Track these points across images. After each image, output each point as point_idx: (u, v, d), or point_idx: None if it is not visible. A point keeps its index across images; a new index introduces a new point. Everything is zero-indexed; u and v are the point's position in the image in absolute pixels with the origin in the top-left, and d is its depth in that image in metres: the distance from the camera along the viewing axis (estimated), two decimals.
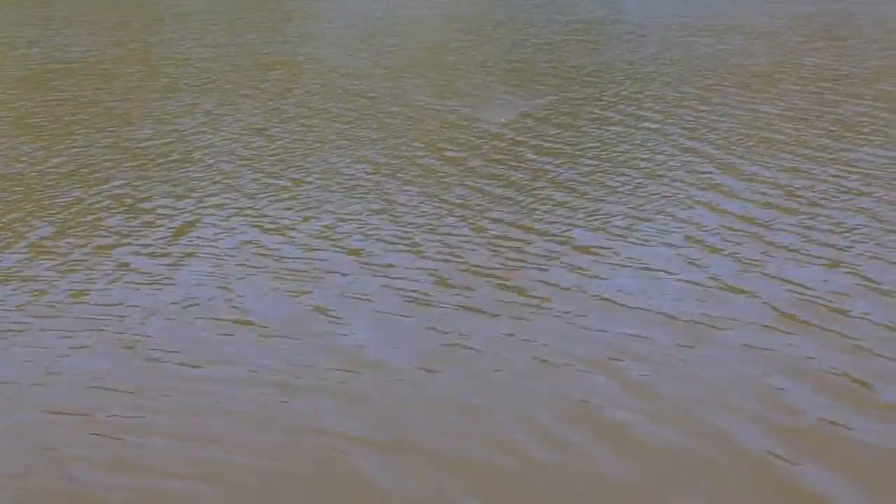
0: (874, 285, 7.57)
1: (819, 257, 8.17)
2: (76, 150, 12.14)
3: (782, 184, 10.20)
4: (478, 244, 8.66)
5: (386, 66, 18.18)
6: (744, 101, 14.44)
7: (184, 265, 8.31)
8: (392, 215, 9.48)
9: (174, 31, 23.72)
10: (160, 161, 11.61)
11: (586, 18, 25.26)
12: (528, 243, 8.65)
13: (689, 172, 10.76)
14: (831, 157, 11.22)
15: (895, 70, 16.70)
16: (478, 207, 9.67)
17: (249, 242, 8.82)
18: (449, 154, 11.71)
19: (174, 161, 11.61)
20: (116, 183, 10.72)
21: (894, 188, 9.99)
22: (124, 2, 30.50)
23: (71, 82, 17.02)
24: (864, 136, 12.15)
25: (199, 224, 9.36)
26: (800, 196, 9.80)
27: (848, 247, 8.38)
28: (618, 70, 17.41)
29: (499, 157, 11.60)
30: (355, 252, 8.51)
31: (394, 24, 25.07)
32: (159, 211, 9.76)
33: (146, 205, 9.95)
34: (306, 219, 9.44)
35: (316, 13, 28.00)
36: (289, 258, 8.40)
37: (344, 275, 7.99)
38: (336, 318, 7.20)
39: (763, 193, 9.90)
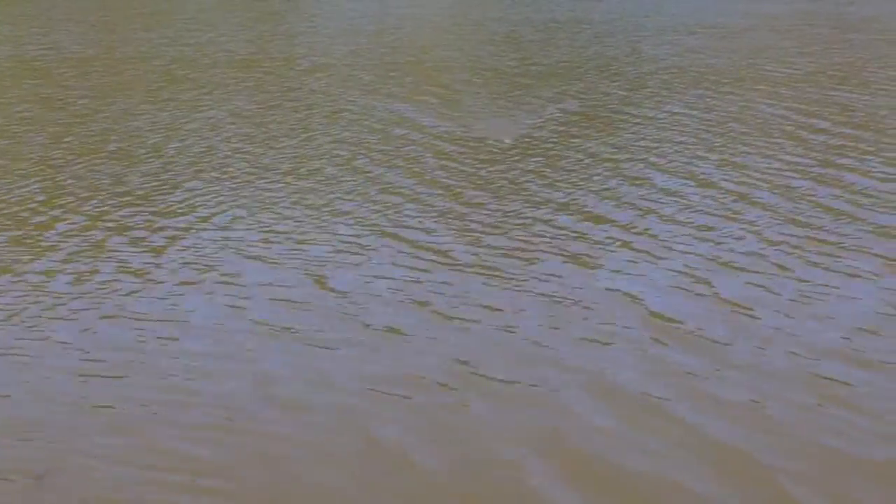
0: (774, 295, 7.19)
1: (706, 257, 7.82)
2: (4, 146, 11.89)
3: (694, 181, 9.88)
4: (375, 251, 8.34)
5: (349, 64, 17.86)
6: (691, 100, 14.08)
7: (71, 260, 8.01)
8: (281, 213, 9.16)
9: (151, 31, 23.40)
10: (89, 158, 11.28)
11: (561, 18, 24.91)
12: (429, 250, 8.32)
13: (615, 172, 10.43)
14: (742, 159, 10.87)
15: (824, 73, 16.24)
16: (371, 207, 9.35)
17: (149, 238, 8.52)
18: (376, 152, 11.39)
19: (106, 156, 11.29)
20: (35, 180, 10.42)
21: (790, 190, 9.64)
22: (111, 1, 30.23)
23: (29, 80, 16.75)
24: (778, 140, 11.75)
25: (106, 219, 9.04)
26: (696, 196, 9.45)
27: (731, 243, 8.04)
28: (581, 68, 17.07)
29: (428, 155, 11.25)
30: (259, 258, 8.20)
31: (370, 23, 24.73)
32: (67, 208, 9.45)
33: (60, 201, 9.65)
34: (205, 217, 9.14)
35: (295, 13, 27.70)
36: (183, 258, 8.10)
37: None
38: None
39: (666, 194, 9.57)
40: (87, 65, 18.18)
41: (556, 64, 17.66)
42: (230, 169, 10.72)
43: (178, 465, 5.12)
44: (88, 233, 8.70)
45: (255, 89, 15.52)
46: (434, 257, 7.94)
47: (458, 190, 9.80)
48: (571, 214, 8.97)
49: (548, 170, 10.52)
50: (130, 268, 7.84)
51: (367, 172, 10.51)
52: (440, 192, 9.75)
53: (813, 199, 9.25)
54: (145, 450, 5.27)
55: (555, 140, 11.83)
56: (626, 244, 8.17)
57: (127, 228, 8.81)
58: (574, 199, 9.43)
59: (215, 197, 9.71)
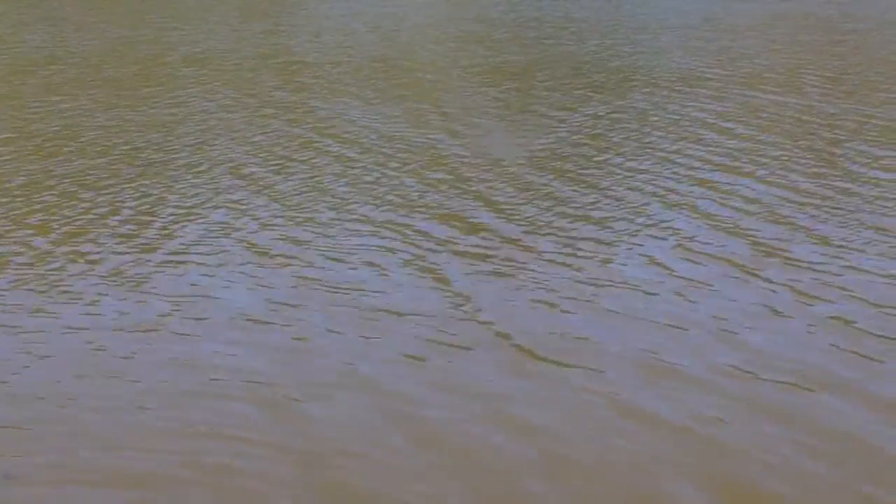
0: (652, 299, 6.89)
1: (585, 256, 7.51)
2: None
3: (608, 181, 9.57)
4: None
5: (320, 63, 17.57)
6: (649, 100, 13.79)
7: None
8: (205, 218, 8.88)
9: (131, 29, 23.10)
10: (12, 158, 11.02)
11: (538, 15, 24.57)
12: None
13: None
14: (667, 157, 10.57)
15: (767, 74, 15.84)
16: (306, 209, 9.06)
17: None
18: (299, 152, 11.10)
19: (27, 155, 11.02)
20: None
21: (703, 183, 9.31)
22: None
23: None
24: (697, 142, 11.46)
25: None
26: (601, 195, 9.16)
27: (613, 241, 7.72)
28: (545, 66, 16.79)
29: (354, 153, 10.96)
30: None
31: (354, 22, 24.40)
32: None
33: None
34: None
35: (281, 12, 27.40)
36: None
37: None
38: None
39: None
40: (52, 64, 17.84)
41: (526, 63, 17.36)
42: (149, 170, 10.40)
43: None
44: None
45: (221, 88, 15.17)
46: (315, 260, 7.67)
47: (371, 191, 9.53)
48: (459, 218, 8.68)
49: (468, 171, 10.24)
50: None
51: (285, 173, 10.21)
52: (351, 192, 9.46)
53: (725, 203, 8.95)
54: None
55: (473, 136, 11.54)
56: (518, 246, 7.87)
57: (27, 227, 8.54)
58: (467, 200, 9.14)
59: (118, 198, 9.37)
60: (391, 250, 7.78)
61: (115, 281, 7.26)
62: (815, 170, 9.91)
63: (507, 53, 18.44)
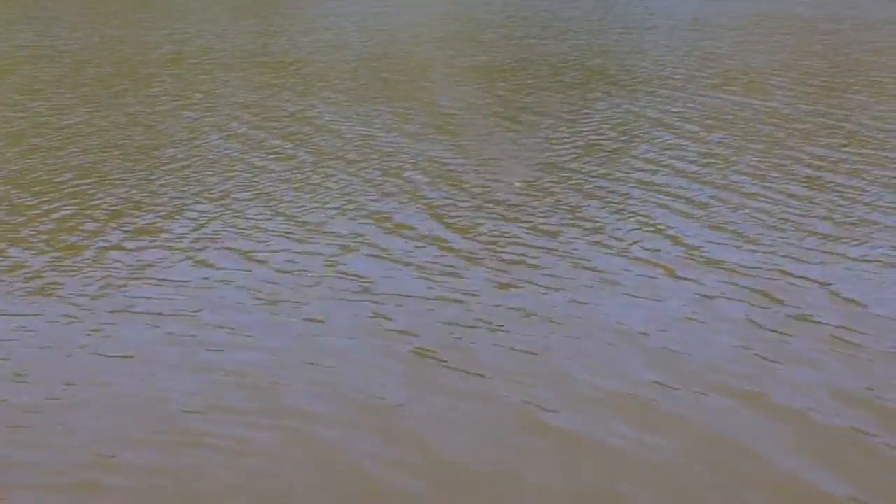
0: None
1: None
2: None
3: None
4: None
5: (294, 61, 17.50)
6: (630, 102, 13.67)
7: None
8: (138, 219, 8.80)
9: (120, 28, 23.09)
10: None
11: (526, 14, 24.46)
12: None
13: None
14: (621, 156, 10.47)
15: (733, 76, 15.71)
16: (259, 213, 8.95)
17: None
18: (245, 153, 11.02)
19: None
20: None
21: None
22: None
23: None
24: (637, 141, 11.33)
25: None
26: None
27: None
28: (528, 63, 16.68)
29: (300, 154, 10.88)
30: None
31: (341, 20, 24.34)
32: None
33: None
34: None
35: (274, 10, 27.34)
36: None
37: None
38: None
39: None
40: (35, 62, 17.80)
41: (510, 62, 17.26)
42: (118, 167, 10.35)
43: None
44: None
45: (199, 87, 15.06)
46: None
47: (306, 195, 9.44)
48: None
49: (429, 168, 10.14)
50: None
51: (245, 173, 10.12)
52: (293, 193, 9.37)
53: (671, 206, 8.82)
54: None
55: (449, 136, 11.43)
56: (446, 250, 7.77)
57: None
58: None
59: (89, 195, 9.34)
60: (316, 254, 7.68)
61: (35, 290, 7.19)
62: (769, 173, 9.75)
63: (492, 53, 18.34)
